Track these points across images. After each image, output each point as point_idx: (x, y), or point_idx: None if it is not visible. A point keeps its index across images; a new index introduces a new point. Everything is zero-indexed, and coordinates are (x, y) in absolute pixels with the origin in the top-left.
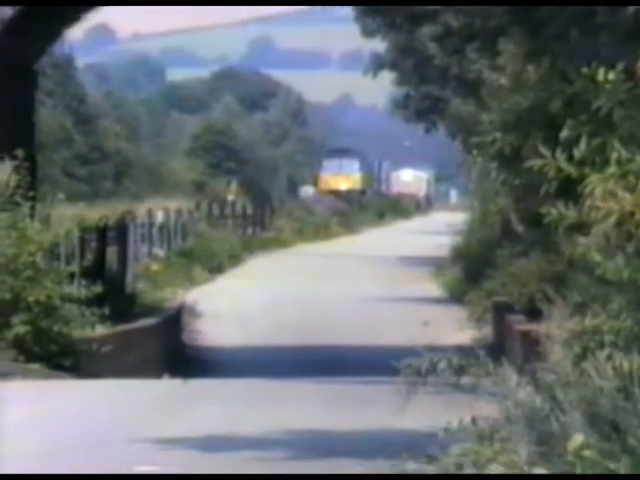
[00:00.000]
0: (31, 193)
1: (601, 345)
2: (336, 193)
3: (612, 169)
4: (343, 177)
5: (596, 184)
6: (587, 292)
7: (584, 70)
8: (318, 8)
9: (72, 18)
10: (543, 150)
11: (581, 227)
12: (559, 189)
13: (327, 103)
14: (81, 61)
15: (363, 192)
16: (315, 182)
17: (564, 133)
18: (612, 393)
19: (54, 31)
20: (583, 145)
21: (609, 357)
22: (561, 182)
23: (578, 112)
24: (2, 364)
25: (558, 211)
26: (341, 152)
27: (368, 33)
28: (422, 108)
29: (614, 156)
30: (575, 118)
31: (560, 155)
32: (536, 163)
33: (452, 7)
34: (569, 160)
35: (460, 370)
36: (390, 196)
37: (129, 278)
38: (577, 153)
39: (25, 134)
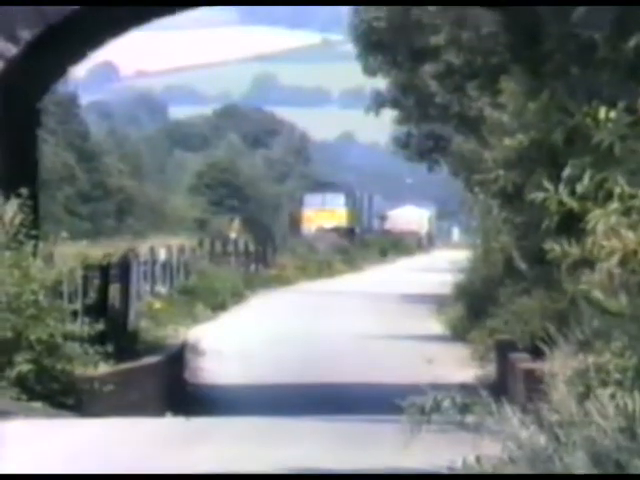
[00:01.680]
0: (34, 231)
1: (604, 383)
2: (319, 231)
3: (615, 205)
4: (327, 213)
5: (598, 219)
6: (590, 329)
7: (585, 108)
8: (320, 45)
9: (77, 56)
10: (546, 184)
11: (584, 264)
12: (561, 225)
13: (329, 140)
14: (84, 98)
15: (351, 230)
16: (292, 219)
17: (567, 171)
18: (615, 433)
19: (58, 69)
20: (586, 180)
21: (612, 396)
22: (563, 218)
23: (580, 146)
24: (4, 403)
25: (561, 247)
26: (324, 186)
27: (369, 71)
28: (424, 147)
29: (617, 191)
30: (577, 152)
31: (562, 190)
32: (538, 196)
33: (454, 45)
34: (571, 194)
35: (464, 409)
36: (389, 233)
37: (132, 316)
38: (580, 188)
39: (28, 172)
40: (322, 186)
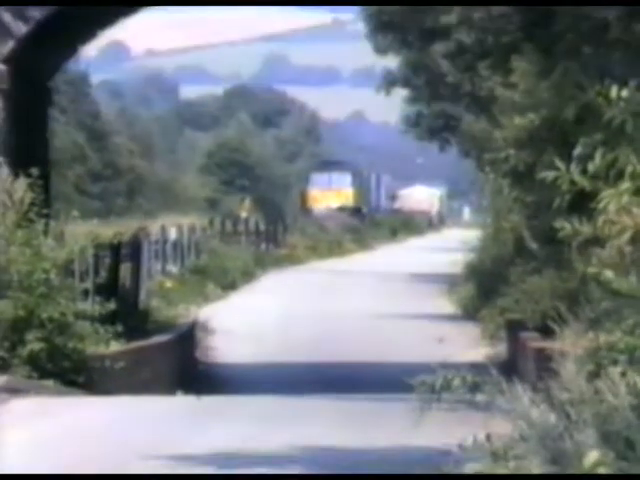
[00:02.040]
0: (45, 210)
1: (615, 362)
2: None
3: (626, 184)
4: (333, 193)
5: (610, 199)
6: (601, 308)
7: (597, 87)
8: (330, 24)
9: (88, 35)
10: (558, 163)
11: (595, 243)
12: (572, 204)
13: (340, 120)
14: (95, 78)
15: (358, 210)
16: (302, 199)
17: (578, 150)
18: (626, 411)
19: (69, 48)
20: (597, 159)
21: (623, 374)
22: (574, 197)
23: (591, 124)
24: (16, 380)
25: (572, 226)
26: (331, 164)
27: (380, 50)
28: (435, 126)
29: (629, 170)
30: (588, 130)
31: (574, 169)
32: (549, 175)
33: (465, 24)
34: (583, 173)
35: (474, 387)
36: (399, 213)
37: (142, 295)
38: (591, 167)
39: (39, 151)
40: (329, 165)
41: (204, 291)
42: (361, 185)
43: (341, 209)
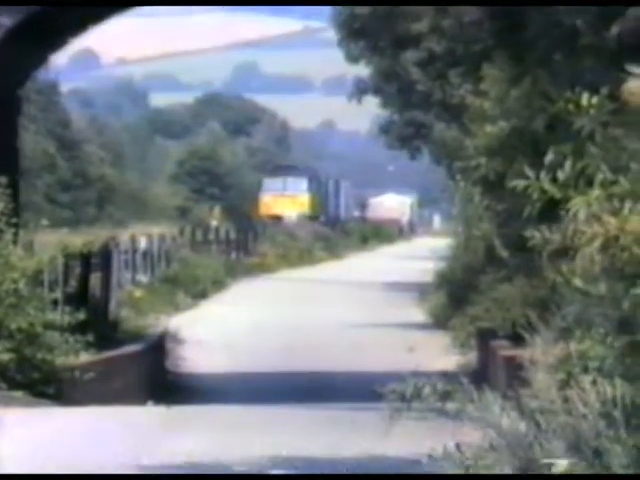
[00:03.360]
0: (14, 220)
1: (585, 370)
2: (278, 219)
3: (596, 192)
4: (288, 199)
5: (580, 207)
6: (571, 316)
7: (568, 94)
8: (301, 32)
9: (58, 43)
10: (528, 172)
11: (565, 252)
12: (542, 212)
13: (311, 128)
14: (65, 86)
15: (314, 218)
16: (254, 206)
17: (548, 157)
18: (596, 419)
19: (39, 56)
20: (567, 167)
21: (593, 382)
22: (544, 205)
23: (561, 133)
24: None
25: (542, 235)
26: (286, 169)
27: (351, 58)
28: (405, 134)
29: (598, 178)
30: (558, 139)
31: (544, 177)
32: (520, 184)
33: (436, 32)
34: (553, 182)
35: (445, 396)
36: (370, 221)
37: (112, 304)
38: (561, 175)
39: (9, 160)
40: (283, 169)
41: (174, 300)
42: (318, 191)
43: (297, 218)
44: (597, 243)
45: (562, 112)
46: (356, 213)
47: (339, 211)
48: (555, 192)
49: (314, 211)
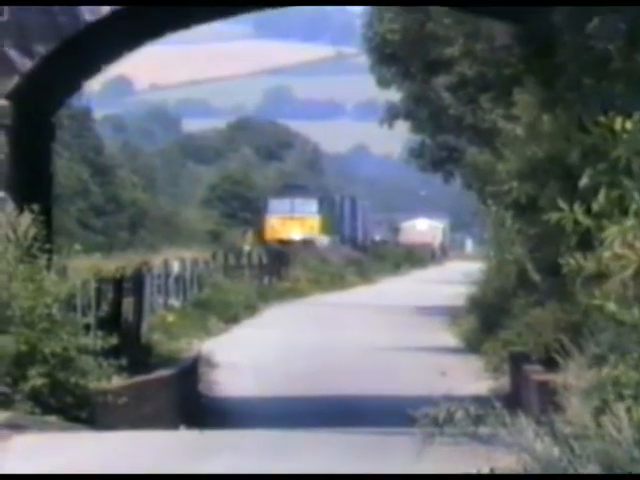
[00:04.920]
0: (48, 245)
1: (621, 397)
2: (286, 244)
3: (630, 221)
4: (296, 222)
5: (614, 236)
6: (605, 342)
7: (601, 119)
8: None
9: (92, 70)
10: (561, 203)
11: (598, 277)
12: (576, 240)
13: (343, 153)
14: (99, 112)
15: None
16: (258, 229)
17: (583, 182)
18: (629, 446)
19: (73, 83)
20: (601, 197)
21: (628, 410)
22: (578, 234)
23: (596, 162)
24: (18, 416)
25: (577, 262)
26: (294, 189)
27: (383, 83)
28: (438, 158)
29: (633, 207)
30: (593, 168)
31: (578, 207)
32: (553, 216)
33: (467, 57)
34: (587, 212)
35: (478, 420)
36: (402, 245)
37: (145, 329)
38: (595, 205)
39: (42, 186)
40: (291, 189)
41: (206, 325)
42: (330, 213)
43: (305, 242)
44: (630, 269)
45: (598, 142)
46: (375, 237)
47: (356, 234)
48: (589, 223)
49: (326, 234)
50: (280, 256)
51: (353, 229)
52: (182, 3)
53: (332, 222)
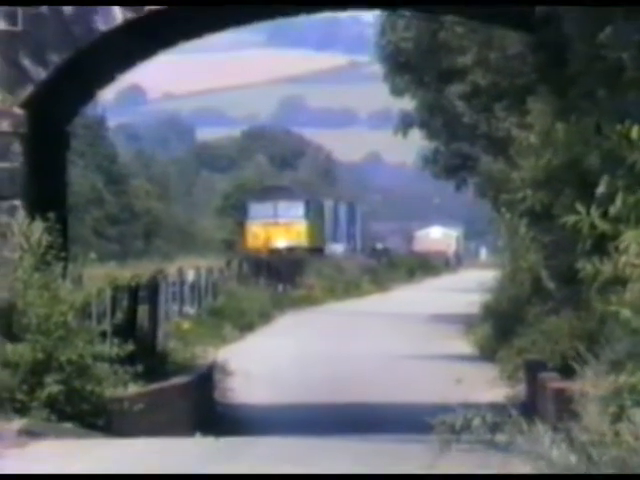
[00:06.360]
0: (63, 253)
1: (637, 404)
2: (271, 252)
3: None
4: (280, 228)
5: (631, 240)
6: (622, 349)
7: (618, 127)
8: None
9: (106, 79)
10: (578, 206)
11: (614, 284)
12: (592, 245)
13: (356, 161)
14: (112, 121)
15: (318, 250)
16: (240, 237)
17: (600, 189)
18: None
19: (87, 93)
20: (619, 202)
21: None
22: (594, 239)
23: (613, 168)
24: (35, 424)
25: (594, 266)
26: (276, 191)
27: (397, 92)
28: (451, 165)
29: None
30: (610, 174)
31: (594, 212)
32: (570, 219)
33: (481, 66)
34: (603, 217)
35: (494, 427)
36: (416, 254)
37: (160, 337)
38: (612, 210)
39: (57, 195)
40: (273, 192)
41: (221, 332)
42: (319, 218)
43: (290, 250)
44: None
45: (616, 147)
46: (379, 245)
47: (354, 242)
48: (606, 227)
49: (313, 242)
50: (294, 264)
51: (351, 236)
52: (197, 12)
53: (320, 228)
